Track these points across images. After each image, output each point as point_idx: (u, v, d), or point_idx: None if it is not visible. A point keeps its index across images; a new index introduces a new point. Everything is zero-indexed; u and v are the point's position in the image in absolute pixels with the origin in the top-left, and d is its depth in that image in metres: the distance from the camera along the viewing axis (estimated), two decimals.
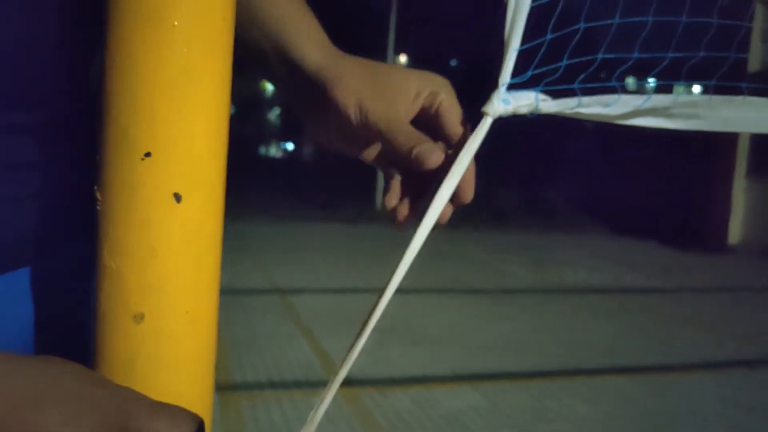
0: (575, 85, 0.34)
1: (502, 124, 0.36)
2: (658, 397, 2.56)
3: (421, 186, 0.44)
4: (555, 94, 0.35)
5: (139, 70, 0.28)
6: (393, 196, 0.44)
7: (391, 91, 0.43)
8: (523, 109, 0.34)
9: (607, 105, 0.35)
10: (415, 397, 2.40)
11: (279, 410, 2.21)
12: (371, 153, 0.45)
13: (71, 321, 0.43)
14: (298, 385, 2.47)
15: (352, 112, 0.43)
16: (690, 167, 8.09)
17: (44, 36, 0.37)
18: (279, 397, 2.33)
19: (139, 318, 0.30)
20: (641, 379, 2.80)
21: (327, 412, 0.33)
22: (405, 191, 0.44)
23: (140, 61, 0.28)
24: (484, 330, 3.41)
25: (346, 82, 0.43)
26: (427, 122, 0.44)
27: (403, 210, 0.44)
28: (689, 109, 0.38)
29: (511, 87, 0.34)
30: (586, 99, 0.35)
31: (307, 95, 0.45)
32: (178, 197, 0.29)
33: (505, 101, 0.34)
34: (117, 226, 0.30)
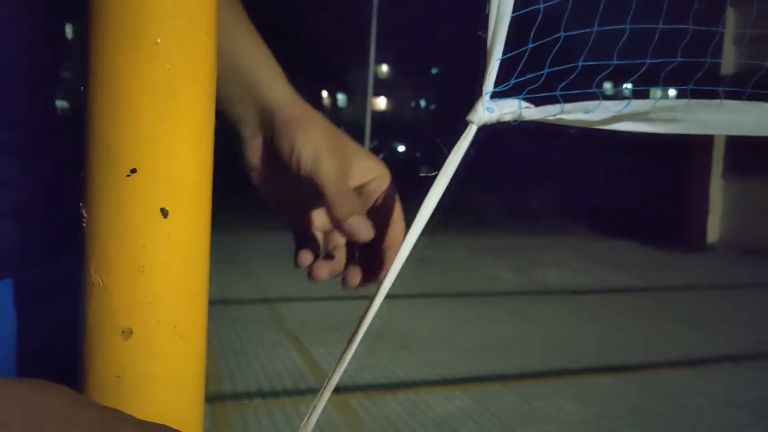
0: (557, 92, 0.35)
1: (484, 130, 0.36)
2: (646, 395, 2.59)
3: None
4: (538, 101, 0.35)
5: (122, 87, 0.28)
6: (307, 255, 0.45)
7: (346, 153, 0.43)
8: (507, 117, 0.35)
9: (588, 111, 0.36)
10: (405, 402, 2.40)
11: (269, 419, 2.19)
12: (303, 210, 0.46)
13: (54, 333, 0.43)
14: (288, 393, 2.45)
15: (306, 159, 0.42)
16: (668, 168, 8.21)
17: (18, 56, 0.38)
18: (269, 406, 2.31)
19: (127, 334, 0.30)
20: (628, 377, 2.82)
21: (316, 420, 0.33)
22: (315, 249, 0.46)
23: (123, 79, 0.28)
24: (472, 333, 3.41)
25: (310, 127, 0.43)
26: (363, 199, 0.44)
27: (322, 272, 0.44)
28: (668, 113, 0.38)
29: (495, 95, 0.34)
30: (568, 105, 0.35)
31: (262, 134, 0.44)
32: (164, 212, 0.29)
33: (489, 109, 0.34)
34: (103, 243, 0.29)
